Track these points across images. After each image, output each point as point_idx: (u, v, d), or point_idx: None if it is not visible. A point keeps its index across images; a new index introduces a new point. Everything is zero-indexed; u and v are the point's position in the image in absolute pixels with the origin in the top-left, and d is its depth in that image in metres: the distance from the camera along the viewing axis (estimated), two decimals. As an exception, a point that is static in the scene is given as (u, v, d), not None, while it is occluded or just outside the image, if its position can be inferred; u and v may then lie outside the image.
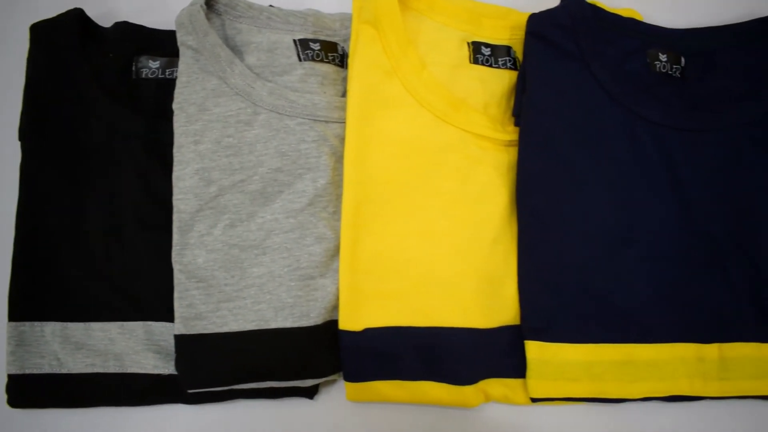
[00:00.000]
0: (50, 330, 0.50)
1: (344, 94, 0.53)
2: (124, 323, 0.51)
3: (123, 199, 0.52)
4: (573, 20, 0.53)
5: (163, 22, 0.55)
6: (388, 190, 0.51)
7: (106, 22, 0.56)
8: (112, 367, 0.50)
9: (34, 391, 0.50)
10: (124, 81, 0.54)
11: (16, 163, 0.52)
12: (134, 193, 0.52)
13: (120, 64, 0.54)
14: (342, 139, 0.52)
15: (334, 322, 0.50)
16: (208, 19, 0.52)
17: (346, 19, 0.55)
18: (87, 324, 0.51)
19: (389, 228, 0.51)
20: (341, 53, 0.55)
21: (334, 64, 0.54)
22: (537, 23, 0.53)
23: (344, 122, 0.52)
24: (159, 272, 0.50)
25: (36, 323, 0.50)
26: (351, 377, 0.49)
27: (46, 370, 0.50)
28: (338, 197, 0.51)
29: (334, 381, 0.53)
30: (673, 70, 0.55)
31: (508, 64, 0.56)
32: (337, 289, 0.50)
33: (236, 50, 0.52)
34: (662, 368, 0.50)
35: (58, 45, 0.53)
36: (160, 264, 0.50)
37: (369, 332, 0.49)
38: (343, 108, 0.52)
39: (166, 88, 0.53)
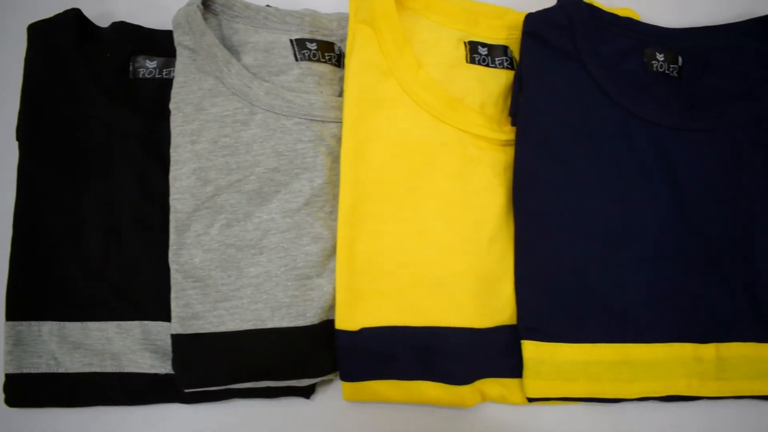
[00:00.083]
0: (47, 329, 0.50)
1: (341, 94, 0.53)
2: (122, 323, 0.51)
3: (120, 198, 0.52)
4: (570, 20, 0.53)
5: (160, 22, 0.55)
6: (384, 189, 0.51)
7: (103, 22, 0.56)
8: (109, 367, 0.50)
9: (31, 390, 0.50)
10: (121, 81, 0.54)
11: (13, 163, 0.52)
12: (131, 192, 0.52)
13: (117, 64, 0.54)
14: (339, 139, 0.52)
15: (330, 322, 0.50)
16: (205, 19, 0.52)
17: (343, 19, 0.55)
18: (84, 323, 0.51)
19: (386, 228, 0.51)
20: (338, 53, 0.55)
21: (331, 64, 0.54)
22: (534, 23, 0.53)
23: (341, 122, 0.52)
24: (156, 272, 0.50)
25: (33, 323, 0.50)
26: (347, 377, 0.49)
27: (44, 369, 0.50)
28: (335, 197, 0.51)
29: (330, 381, 0.53)
30: (671, 69, 0.55)
31: (505, 64, 0.56)
32: (334, 289, 0.50)
33: (233, 50, 0.52)
34: (659, 368, 0.50)
35: (56, 45, 0.53)
36: (158, 264, 0.50)
37: (365, 332, 0.49)
38: (340, 108, 0.52)
39: (163, 88, 0.53)
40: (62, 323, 0.51)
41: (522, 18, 0.54)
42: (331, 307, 0.50)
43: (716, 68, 0.55)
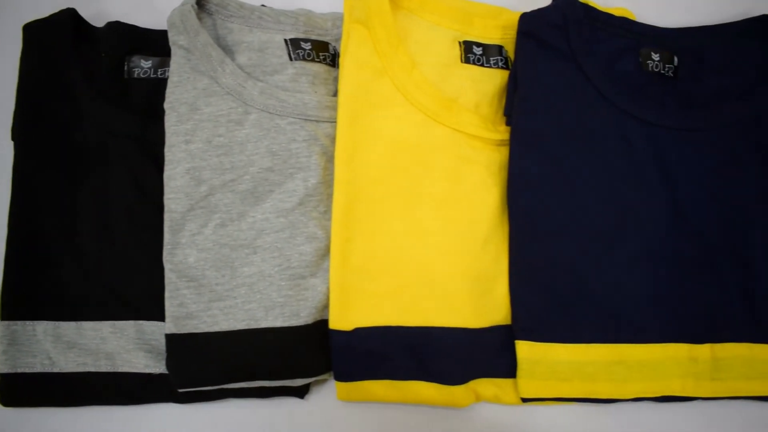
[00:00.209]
0: (42, 329, 0.50)
1: (335, 94, 0.53)
2: (116, 322, 0.51)
3: (115, 198, 0.52)
4: (565, 20, 0.53)
5: (155, 21, 0.55)
6: (378, 189, 0.51)
7: (98, 22, 0.56)
8: (103, 367, 0.50)
9: (25, 390, 0.50)
10: (116, 80, 0.54)
11: (8, 162, 0.52)
12: (126, 192, 0.52)
13: (112, 63, 0.54)
14: (333, 139, 0.52)
15: (324, 322, 0.50)
16: (200, 18, 0.52)
17: (337, 19, 0.55)
18: (79, 323, 0.51)
19: (380, 227, 0.51)
20: (333, 53, 0.55)
21: (326, 64, 0.54)
22: (529, 22, 0.53)
23: (335, 122, 0.52)
24: (150, 271, 0.50)
25: (28, 322, 0.50)
26: (341, 377, 0.49)
27: (38, 369, 0.50)
28: (329, 197, 0.51)
29: (324, 380, 0.53)
30: (666, 69, 0.55)
31: (500, 64, 0.56)
32: (328, 289, 0.50)
33: (227, 50, 0.52)
34: (654, 368, 0.50)
35: (51, 45, 0.53)
36: (152, 263, 0.50)
37: (359, 332, 0.49)
38: (334, 108, 0.52)
39: (158, 87, 0.53)
40: (57, 323, 0.51)
41: (517, 18, 0.54)
42: (325, 307, 0.50)
43: (712, 68, 0.55)
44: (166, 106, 0.50)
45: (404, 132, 0.52)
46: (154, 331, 0.51)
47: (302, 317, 0.49)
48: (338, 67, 0.54)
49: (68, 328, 0.51)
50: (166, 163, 0.50)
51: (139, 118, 0.53)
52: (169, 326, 0.48)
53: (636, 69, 0.54)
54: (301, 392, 0.51)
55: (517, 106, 0.52)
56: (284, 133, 0.51)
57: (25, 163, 0.52)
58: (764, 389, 0.51)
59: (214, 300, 0.49)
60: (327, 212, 0.51)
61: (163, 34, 0.53)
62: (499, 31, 0.56)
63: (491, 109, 0.55)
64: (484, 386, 0.51)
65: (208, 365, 0.48)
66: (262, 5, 0.55)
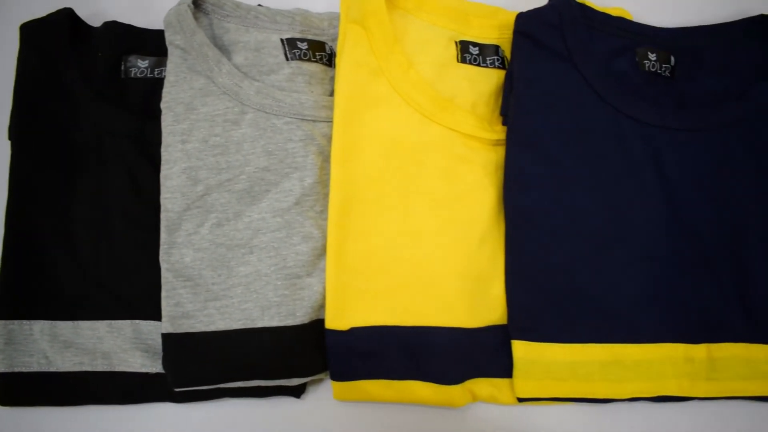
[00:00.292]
0: (39, 328, 0.50)
1: (332, 94, 0.53)
2: (113, 322, 0.51)
3: (111, 197, 0.52)
4: (561, 19, 0.53)
5: (151, 21, 0.55)
6: (375, 189, 0.51)
7: (95, 22, 0.56)
8: (100, 366, 0.51)
9: (22, 389, 0.50)
10: (113, 80, 0.54)
11: (5, 161, 0.52)
12: (123, 191, 0.52)
13: (109, 63, 0.54)
14: (329, 139, 0.52)
15: (320, 322, 0.50)
16: (196, 18, 0.52)
17: (334, 19, 0.55)
18: (75, 322, 0.51)
19: (376, 227, 0.51)
20: (329, 52, 0.55)
21: (322, 64, 0.54)
22: (525, 22, 0.53)
23: (331, 121, 0.52)
24: (147, 271, 0.50)
25: (25, 322, 0.50)
26: (338, 376, 0.49)
27: (35, 368, 0.50)
28: (325, 196, 0.51)
29: (321, 380, 0.53)
30: (663, 69, 0.55)
31: (497, 63, 0.56)
32: (324, 288, 0.50)
33: (224, 49, 0.52)
34: (650, 368, 0.50)
35: (48, 44, 0.53)
36: (149, 263, 0.50)
37: (355, 331, 0.49)
38: (331, 107, 0.52)
39: (155, 87, 0.53)
40: (53, 322, 0.51)
41: (513, 17, 0.54)
42: (322, 307, 0.50)
43: (709, 68, 0.55)
44: (162, 105, 0.50)
45: (401, 132, 0.52)
46: (151, 331, 0.51)
47: (298, 317, 0.49)
48: (335, 67, 0.53)
49: (65, 327, 0.51)
50: (162, 162, 0.50)
51: (136, 118, 0.53)
52: (166, 326, 0.48)
53: (633, 69, 0.54)
54: (297, 392, 0.51)
55: (513, 106, 0.52)
56: (280, 133, 0.51)
57: (22, 162, 0.52)
58: (760, 389, 0.51)
59: (211, 299, 0.49)
60: (323, 212, 0.51)
61: (159, 33, 0.53)
62: (496, 31, 0.56)
63: (488, 109, 0.55)
64: (481, 386, 0.51)
65: (205, 365, 0.48)
66: (259, 5, 0.55)
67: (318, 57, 0.54)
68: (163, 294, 0.49)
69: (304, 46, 0.53)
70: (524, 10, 0.54)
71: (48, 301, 0.51)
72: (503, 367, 0.50)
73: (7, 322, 0.50)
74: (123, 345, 0.51)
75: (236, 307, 0.49)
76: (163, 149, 0.50)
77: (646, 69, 0.54)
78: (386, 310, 0.50)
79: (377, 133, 0.51)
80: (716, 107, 0.54)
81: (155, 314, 0.50)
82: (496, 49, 0.56)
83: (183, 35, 0.51)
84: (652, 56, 0.54)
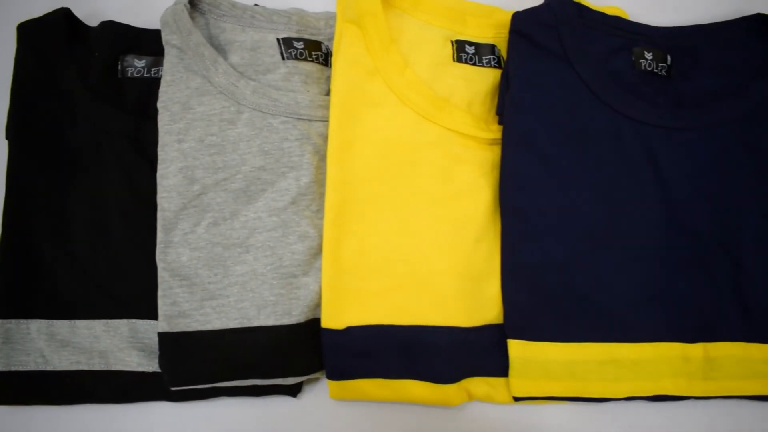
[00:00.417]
0: (36, 327, 0.51)
1: (328, 93, 0.53)
2: (109, 321, 0.51)
3: (108, 197, 0.52)
4: (557, 19, 0.53)
5: (148, 21, 0.55)
6: (371, 188, 0.51)
7: (92, 22, 0.56)
8: (96, 365, 0.51)
9: (19, 388, 0.50)
10: (110, 80, 0.54)
11: (2, 161, 0.52)
12: (119, 191, 0.52)
13: (106, 63, 0.54)
14: (325, 138, 0.52)
15: (316, 321, 0.50)
16: (192, 18, 0.52)
17: (330, 18, 0.55)
18: (72, 321, 0.51)
19: (372, 226, 0.51)
20: (325, 52, 0.55)
21: (318, 63, 0.54)
22: (521, 21, 0.53)
23: (327, 121, 0.52)
24: (144, 270, 0.50)
25: (22, 321, 0.51)
26: (334, 375, 0.49)
27: (32, 367, 0.50)
28: (321, 196, 0.52)
29: (317, 379, 0.53)
30: (659, 68, 0.55)
31: (493, 63, 0.56)
32: (320, 288, 0.50)
33: (220, 49, 0.52)
34: (646, 368, 0.50)
35: (45, 44, 0.54)
36: (145, 262, 0.50)
37: (351, 330, 0.49)
38: (327, 107, 0.52)
39: (151, 87, 0.53)
40: (50, 321, 0.51)
41: (509, 17, 0.54)
42: (318, 306, 0.50)
43: (705, 67, 0.55)
44: (159, 105, 0.51)
45: (396, 131, 0.52)
46: (147, 330, 0.51)
47: (294, 316, 0.49)
48: (331, 67, 0.54)
49: (62, 326, 0.51)
50: (159, 162, 0.50)
51: (133, 118, 0.53)
52: (162, 325, 0.48)
53: (629, 68, 0.54)
54: (293, 391, 0.52)
55: (509, 105, 0.52)
56: (277, 132, 0.51)
57: (19, 161, 0.52)
58: (757, 388, 0.51)
59: (207, 299, 0.49)
60: (319, 211, 0.51)
61: (156, 33, 0.53)
62: (492, 30, 0.56)
63: (483, 108, 0.55)
64: (476, 385, 0.51)
65: (201, 364, 0.48)
66: (255, 4, 0.55)
67: (314, 56, 0.54)
68: (160, 293, 0.49)
69: (300, 45, 0.53)
70: (520, 9, 0.54)
71: (45, 300, 0.51)
72: (499, 366, 0.50)
73: (4, 320, 0.50)
74: (120, 344, 0.51)
75: (232, 306, 0.49)
76: (159, 149, 0.50)
77: (643, 68, 0.54)
78: (382, 310, 0.50)
79: (373, 133, 0.51)
80: (713, 106, 0.54)
81: (152, 313, 0.50)
82: (492, 48, 0.56)
83: (179, 35, 0.51)
84: (649, 55, 0.54)
